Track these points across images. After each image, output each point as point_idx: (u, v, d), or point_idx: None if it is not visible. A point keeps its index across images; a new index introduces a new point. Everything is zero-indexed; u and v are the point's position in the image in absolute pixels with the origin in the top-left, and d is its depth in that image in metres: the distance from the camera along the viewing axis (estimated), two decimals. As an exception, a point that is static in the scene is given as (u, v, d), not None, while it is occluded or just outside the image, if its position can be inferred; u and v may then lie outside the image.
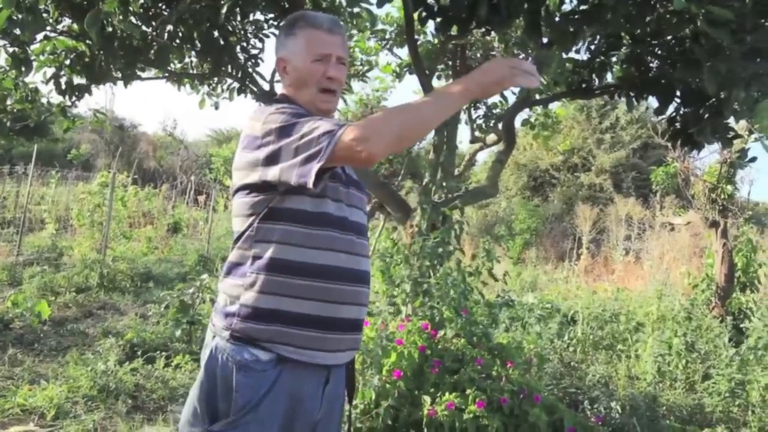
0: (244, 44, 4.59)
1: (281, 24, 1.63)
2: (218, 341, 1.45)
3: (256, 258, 1.44)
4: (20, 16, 3.00)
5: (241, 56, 4.52)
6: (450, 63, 5.85)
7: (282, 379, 1.41)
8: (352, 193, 1.58)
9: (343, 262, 1.48)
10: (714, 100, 3.16)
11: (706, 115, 3.30)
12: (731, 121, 3.33)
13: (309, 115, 1.44)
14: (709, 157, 7.61)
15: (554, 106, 6.63)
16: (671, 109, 3.60)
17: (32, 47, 3.94)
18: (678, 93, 3.43)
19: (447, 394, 3.01)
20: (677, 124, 3.64)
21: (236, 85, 4.76)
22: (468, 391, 3.01)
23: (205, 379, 1.45)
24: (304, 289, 1.42)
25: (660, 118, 3.78)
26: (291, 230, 1.43)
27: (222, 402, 1.41)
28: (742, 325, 5.65)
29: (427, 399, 3.00)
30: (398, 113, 1.34)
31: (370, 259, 1.64)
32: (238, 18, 4.37)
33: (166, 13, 3.71)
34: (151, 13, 3.78)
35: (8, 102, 4.50)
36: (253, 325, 1.42)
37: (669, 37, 3.31)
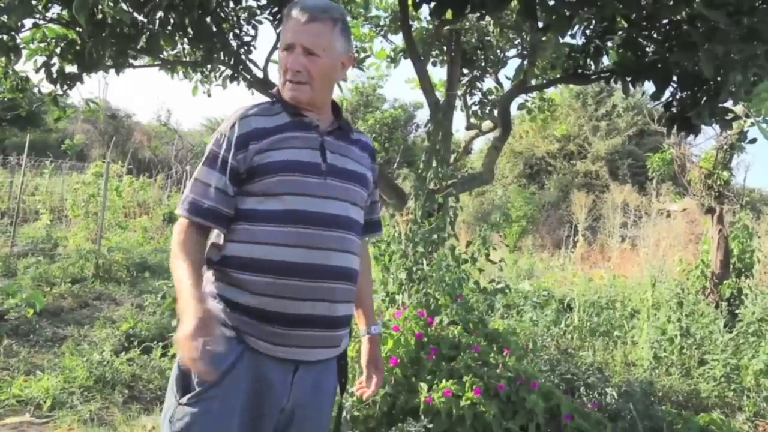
0: (237, 31, 4.54)
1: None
2: None
3: (222, 255, 1.51)
4: (6, 1, 2.94)
5: (233, 43, 4.47)
6: (445, 48, 5.81)
7: (245, 358, 1.45)
8: (330, 183, 1.52)
9: (301, 257, 1.46)
10: (711, 83, 3.14)
11: (704, 99, 3.28)
12: (730, 103, 3.31)
13: (224, 145, 1.50)
14: (705, 143, 7.60)
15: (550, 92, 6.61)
16: (668, 93, 3.58)
17: (22, 35, 3.88)
18: (674, 77, 3.40)
19: (444, 381, 3.00)
20: (674, 109, 3.62)
21: (229, 72, 4.72)
22: (465, 378, 3.00)
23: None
24: (257, 285, 1.44)
25: (656, 103, 3.76)
26: (245, 229, 1.48)
27: (193, 377, 1.44)
28: (737, 311, 5.66)
29: (424, 386, 2.99)
30: (174, 259, 1.47)
31: (352, 253, 1.56)
32: (231, 4, 4.32)
33: (156, -1, 3.65)
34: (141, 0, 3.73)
35: (-2, 91, 4.46)
36: (221, 307, 1.47)
37: (665, 21, 3.28)
